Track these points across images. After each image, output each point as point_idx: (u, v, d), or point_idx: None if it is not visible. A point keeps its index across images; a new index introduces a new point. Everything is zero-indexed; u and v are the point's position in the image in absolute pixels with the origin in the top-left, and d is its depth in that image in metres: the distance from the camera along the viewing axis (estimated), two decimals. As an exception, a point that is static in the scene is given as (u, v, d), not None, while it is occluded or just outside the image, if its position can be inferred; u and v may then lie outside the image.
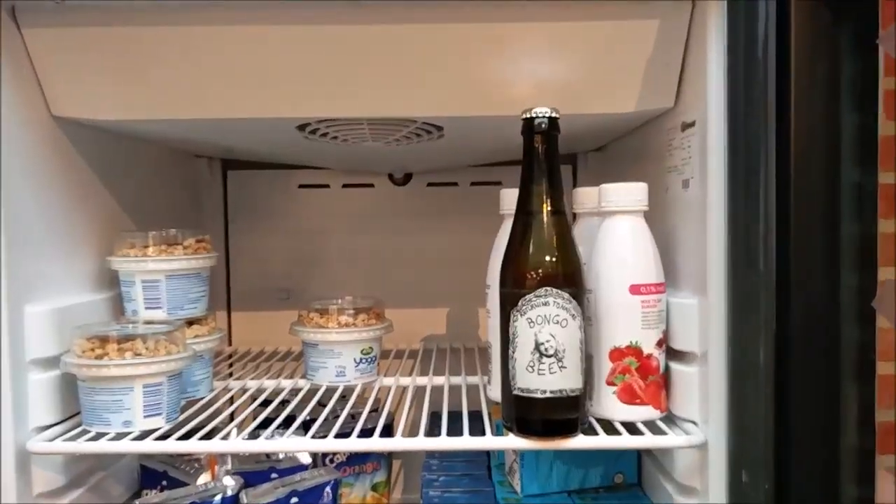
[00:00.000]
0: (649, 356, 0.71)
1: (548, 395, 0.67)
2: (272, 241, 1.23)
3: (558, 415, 0.68)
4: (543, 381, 0.67)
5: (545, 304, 0.66)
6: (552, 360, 0.67)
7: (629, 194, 0.72)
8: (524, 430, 0.69)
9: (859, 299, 0.62)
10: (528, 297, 0.67)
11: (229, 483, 0.83)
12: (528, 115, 0.69)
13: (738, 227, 0.64)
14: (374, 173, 1.23)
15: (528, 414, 0.68)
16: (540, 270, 0.67)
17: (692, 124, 0.72)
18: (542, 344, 0.67)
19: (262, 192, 1.23)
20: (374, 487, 0.97)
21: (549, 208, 0.68)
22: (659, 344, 0.72)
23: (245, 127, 0.83)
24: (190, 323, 0.86)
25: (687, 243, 0.74)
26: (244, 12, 0.70)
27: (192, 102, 0.76)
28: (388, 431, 0.75)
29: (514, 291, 0.68)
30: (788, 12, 0.61)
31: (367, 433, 0.75)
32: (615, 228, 0.72)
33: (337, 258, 1.22)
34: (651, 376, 0.72)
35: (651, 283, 0.71)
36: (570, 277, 0.68)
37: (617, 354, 0.72)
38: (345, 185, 1.23)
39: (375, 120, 0.81)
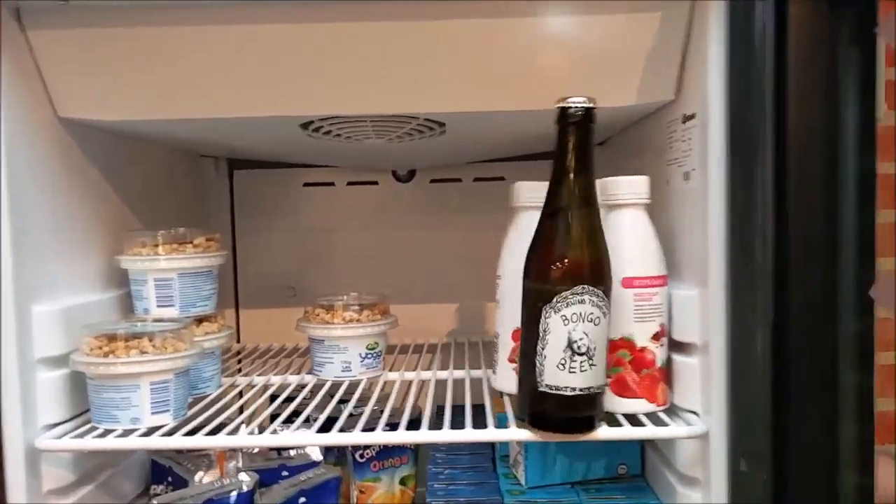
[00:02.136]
0: (643, 349, 0.72)
1: (577, 392, 0.66)
2: (279, 239, 1.24)
3: (583, 412, 0.67)
4: (574, 379, 0.66)
5: (581, 301, 0.65)
6: (584, 358, 0.65)
7: (623, 187, 0.73)
8: (546, 425, 0.68)
9: (858, 290, 0.63)
10: (564, 294, 0.65)
11: (245, 479, 0.84)
12: (564, 105, 0.66)
13: (736, 219, 0.65)
14: (378, 171, 1.24)
15: (554, 411, 0.67)
16: (579, 267, 0.65)
17: (693, 116, 0.72)
18: (576, 342, 0.65)
19: (268, 191, 1.24)
20: (402, 481, 0.98)
21: (585, 202, 0.66)
22: (655, 337, 0.72)
23: (249, 125, 0.83)
24: (200, 321, 0.87)
25: (688, 235, 0.74)
26: (246, 11, 0.71)
27: (196, 102, 0.77)
28: (395, 426, 0.76)
29: (548, 288, 0.65)
30: (786, 4, 0.62)
31: (372, 428, 0.76)
32: (609, 222, 0.73)
33: (342, 255, 1.23)
34: (645, 369, 0.72)
35: (645, 277, 0.71)
36: (604, 274, 0.66)
37: (610, 347, 0.71)
38: (349, 183, 1.24)
39: (378, 117, 0.82)
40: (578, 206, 0.66)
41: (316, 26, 0.72)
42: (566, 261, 0.65)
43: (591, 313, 0.65)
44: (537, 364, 0.67)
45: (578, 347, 0.65)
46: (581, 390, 0.66)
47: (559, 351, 0.65)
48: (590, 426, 0.68)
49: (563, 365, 0.66)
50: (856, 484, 0.63)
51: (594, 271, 0.66)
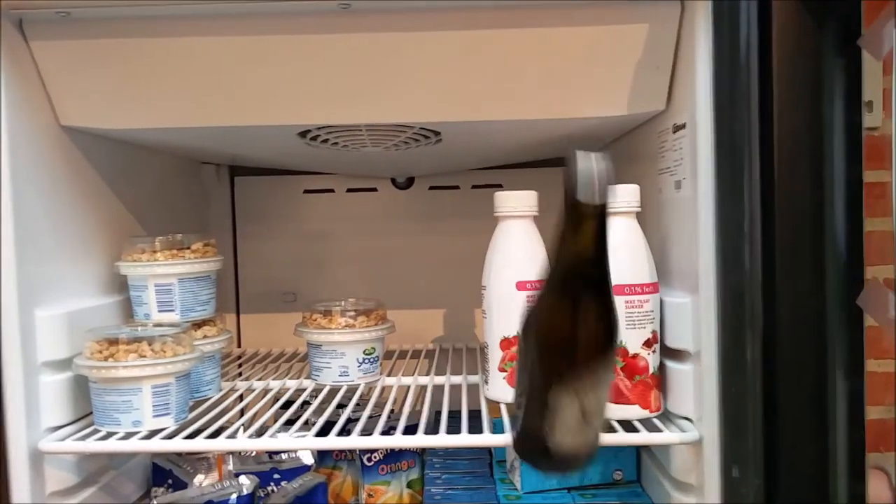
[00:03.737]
0: (636, 356, 0.73)
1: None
2: (279, 245, 1.25)
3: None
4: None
5: (598, 383, 0.56)
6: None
7: (614, 196, 0.73)
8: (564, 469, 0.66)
9: (847, 297, 0.63)
10: (584, 380, 0.53)
11: (245, 482, 0.85)
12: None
13: (725, 227, 0.66)
14: (378, 178, 1.25)
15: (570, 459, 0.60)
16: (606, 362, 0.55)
17: (683, 126, 0.73)
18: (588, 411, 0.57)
19: (269, 198, 1.25)
20: (409, 484, 0.99)
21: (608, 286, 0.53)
22: (647, 344, 0.73)
23: (248, 134, 0.84)
24: (200, 325, 0.88)
25: (680, 243, 0.75)
26: (246, 23, 0.72)
27: (196, 111, 0.78)
28: (393, 430, 0.77)
29: (570, 374, 0.53)
30: (769, 14, 0.63)
31: (370, 433, 0.77)
32: None
33: (342, 261, 1.24)
34: (638, 376, 0.73)
35: (635, 284, 0.72)
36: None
37: (603, 354, 0.72)
38: (349, 190, 1.25)
39: (373, 126, 0.83)
40: (608, 293, 0.52)
41: (310, 38, 0.73)
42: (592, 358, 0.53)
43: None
44: (549, 439, 0.56)
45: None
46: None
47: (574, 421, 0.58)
48: None
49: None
50: (847, 489, 0.64)
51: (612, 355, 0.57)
